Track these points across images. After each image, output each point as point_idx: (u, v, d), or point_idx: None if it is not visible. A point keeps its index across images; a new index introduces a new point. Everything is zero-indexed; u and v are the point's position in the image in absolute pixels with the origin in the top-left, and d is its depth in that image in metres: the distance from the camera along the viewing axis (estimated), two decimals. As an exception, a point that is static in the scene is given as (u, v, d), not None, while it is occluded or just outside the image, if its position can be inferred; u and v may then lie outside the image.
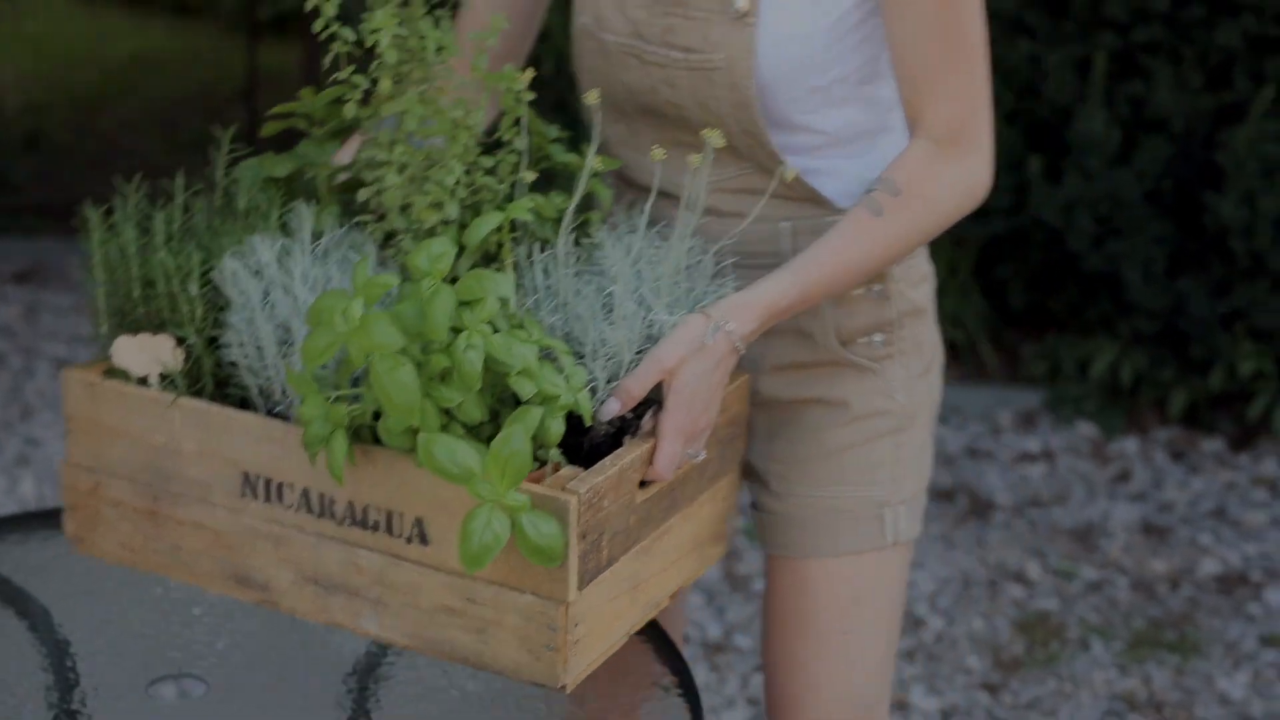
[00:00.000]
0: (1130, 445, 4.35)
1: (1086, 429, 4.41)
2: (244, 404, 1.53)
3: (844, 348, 1.69)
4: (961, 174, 1.56)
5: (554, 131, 1.65)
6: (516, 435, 1.34)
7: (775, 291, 1.50)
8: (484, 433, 1.42)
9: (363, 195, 1.54)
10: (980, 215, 4.45)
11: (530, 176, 1.56)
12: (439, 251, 1.40)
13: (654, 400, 1.48)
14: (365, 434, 1.44)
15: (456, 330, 1.36)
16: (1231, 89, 4.23)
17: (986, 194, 1.59)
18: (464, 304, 1.38)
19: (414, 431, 1.37)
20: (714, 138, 1.49)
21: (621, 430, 1.48)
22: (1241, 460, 4.31)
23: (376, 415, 1.40)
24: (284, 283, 1.47)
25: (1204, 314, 4.26)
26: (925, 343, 1.74)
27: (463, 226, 1.54)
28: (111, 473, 1.57)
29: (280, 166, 1.59)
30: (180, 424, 1.53)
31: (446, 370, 1.35)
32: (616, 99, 1.69)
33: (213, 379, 1.54)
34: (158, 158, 6.87)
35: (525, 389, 1.38)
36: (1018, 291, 4.61)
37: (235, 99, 7.44)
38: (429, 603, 1.45)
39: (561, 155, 1.63)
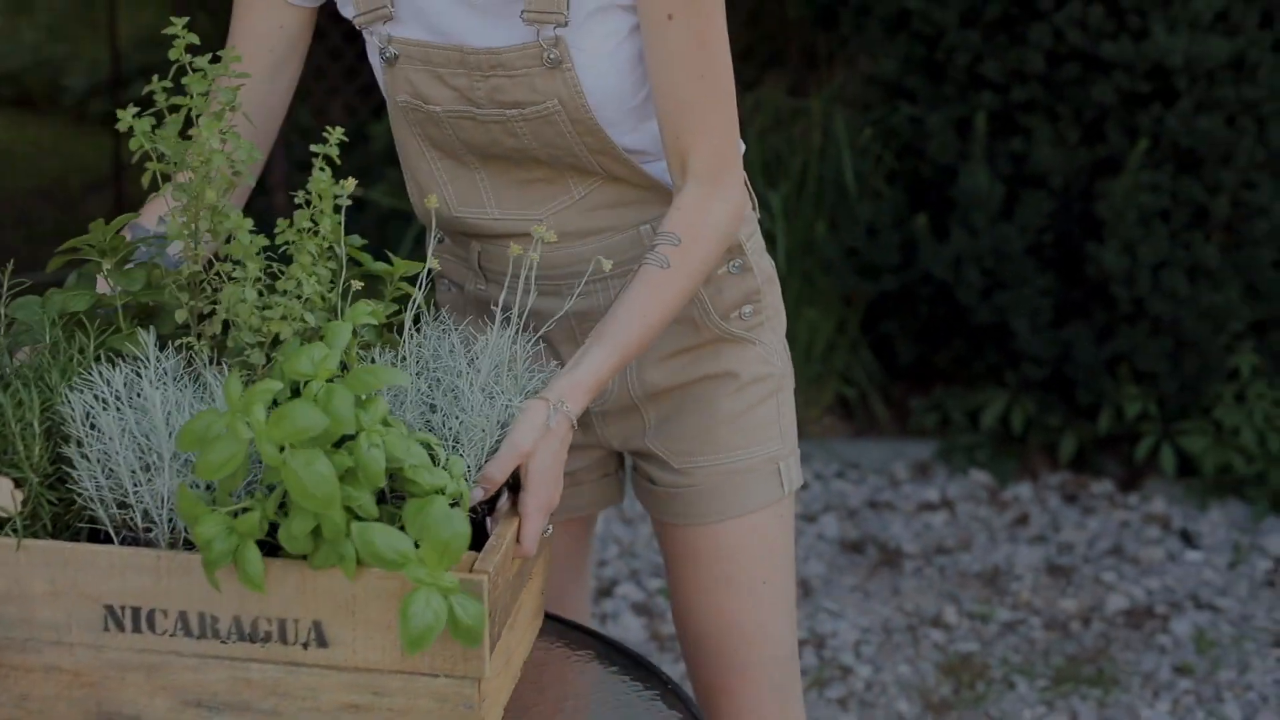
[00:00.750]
0: (1024, 490, 4.44)
1: (980, 476, 4.49)
2: (90, 538, 1.46)
3: (724, 321, 1.82)
4: (730, 205, 1.70)
5: (357, 239, 1.63)
6: (456, 518, 1.37)
7: (596, 365, 1.60)
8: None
9: (222, 312, 1.48)
10: (869, 273, 4.51)
11: (359, 285, 1.56)
12: (320, 355, 1.38)
13: (505, 484, 1.55)
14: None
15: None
16: (1106, 143, 4.35)
17: (745, 210, 1.75)
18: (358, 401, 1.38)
19: (316, 532, 1.35)
20: (544, 234, 1.60)
21: (478, 516, 1.53)
22: (1131, 500, 4.41)
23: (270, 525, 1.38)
24: (134, 411, 1.43)
25: (1089, 360, 4.35)
26: (781, 307, 1.89)
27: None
28: (-58, 628, 1.45)
29: (80, 300, 1.55)
30: (27, 566, 1.42)
31: (349, 470, 1.34)
32: (455, 153, 1.77)
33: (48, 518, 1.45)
34: (18, 249, 6.79)
35: (425, 480, 1.39)
36: (906, 346, 4.69)
37: (91, 190, 7.34)
38: (331, 704, 1.43)
39: (372, 263, 1.63)
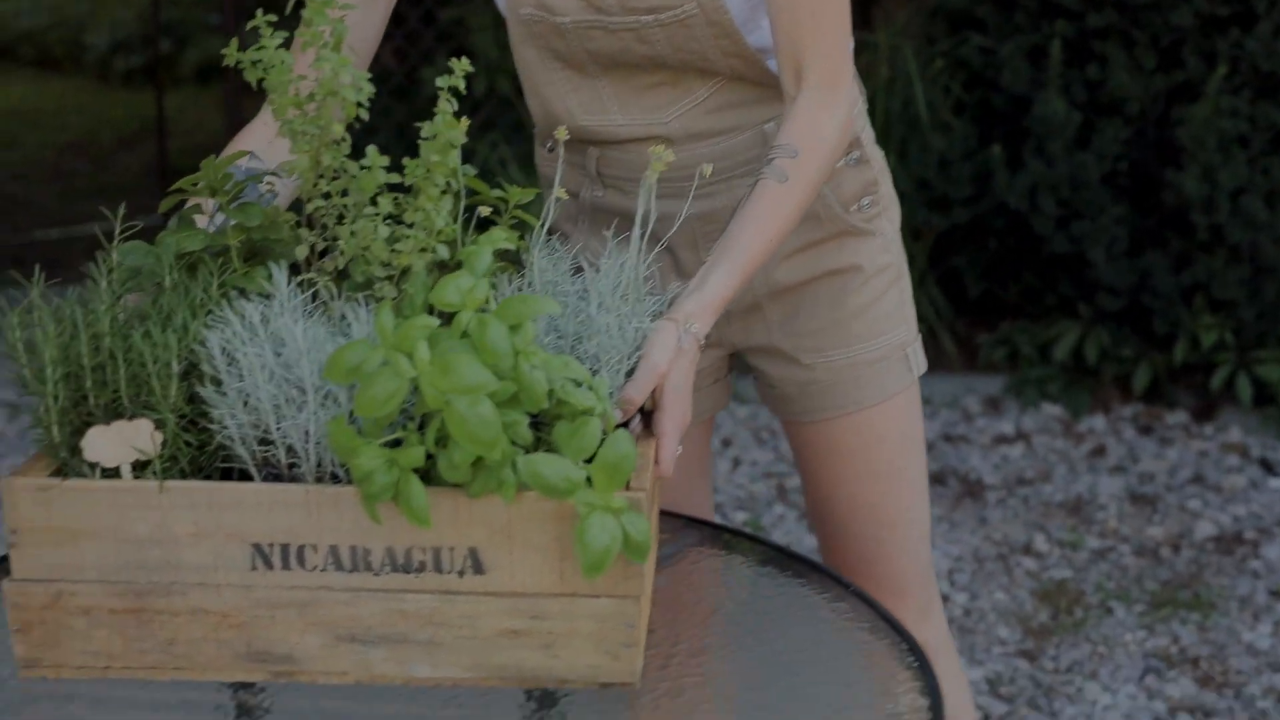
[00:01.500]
0: (1098, 422, 4.42)
1: (1053, 409, 4.46)
2: (225, 479, 1.43)
3: (845, 214, 1.82)
4: (843, 113, 1.68)
5: (471, 169, 1.60)
6: (622, 439, 1.35)
7: (722, 286, 1.58)
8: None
9: (352, 244, 1.44)
10: (940, 206, 4.47)
11: (486, 211, 1.52)
12: (467, 285, 1.35)
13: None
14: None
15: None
16: (1183, 69, 4.28)
17: (858, 107, 1.76)
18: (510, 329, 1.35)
19: (474, 461, 1.33)
20: (664, 154, 1.54)
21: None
22: (1207, 430, 4.38)
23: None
24: (274, 346, 1.39)
25: (1166, 289, 4.30)
26: (895, 197, 1.90)
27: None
28: (78, 579, 1.42)
29: (195, 240, 1.50)
30: (170, 509, 1.39)
31: (513, 395, 1.32)
32: (578, 63, 1.76)
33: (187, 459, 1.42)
34: (55, 206, 6.82)
35: (578, 401, 1.36)
36: (974, 281, 4.63)
37: (123, 146, 7.35)
38: (489, 630, 1.41)
39: (490, 192, 1.58)
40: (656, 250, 1.60)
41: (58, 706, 1.41)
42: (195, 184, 1.52)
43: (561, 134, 1.59)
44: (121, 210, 1.47)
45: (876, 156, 1.86)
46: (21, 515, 1.40)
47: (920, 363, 1.92)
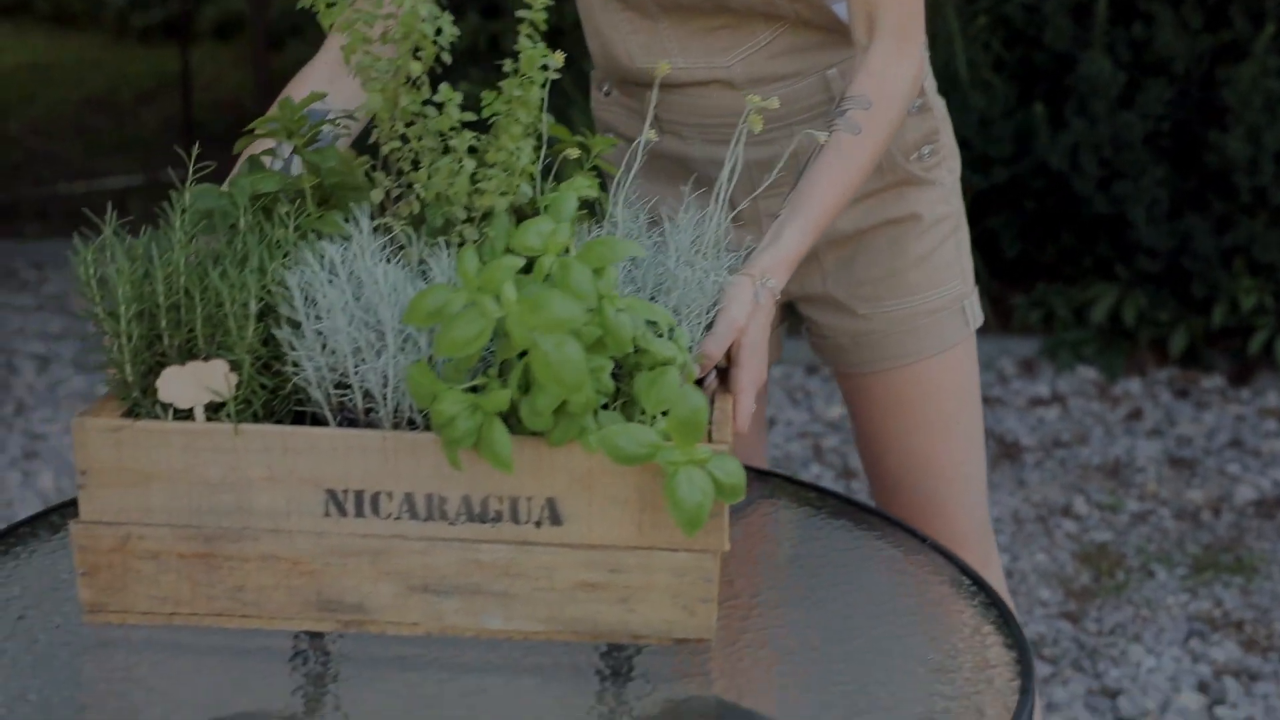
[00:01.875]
0: (1134, 385, 4.40)
1: (1088, 372, 4.44)
2: (298, 423, 1.40)
3: (906, 162, 1.79)
4: (915, 64, 1.65)
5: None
6: (691, 395, 1.31)
7: (797, 241, 1.55)
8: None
9: (431, 187, 1.41)
10: (980, 165, 4.42)
11: (574, 154, 1.48)
12: (549, 229, 1.32)
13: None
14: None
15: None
16: (1230, 28, 4.21)
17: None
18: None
19: (560, 410, 1.29)
20: (767, 103, 1.51)
21: None
22: (1243, 394, 4.36)
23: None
24: (352, 289, 1.36)
25: (1207, 251, 4.26)
26: (955, 147, 1.87)
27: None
28: (147, 522, 1.39)
29: (269, 181, 1.46)
30: (244, 452, 1.36)
31: (597, 340, 1.29)
32: (639, 4, 1.73)
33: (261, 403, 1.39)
34: (77, 161, 6.80)
35: (659, 351, 1.32)
36: (1009, 242, 4.59)
37: (142, 101, 7.32)
38: (565, 582, 1.38)
39: (570, 137, 1.54)
40: (722, 201, 1.57)
41: (122, 653, 1.38)
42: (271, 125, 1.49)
43: (664, 68, 1.55)
44: (195, 150, 1.43)
45: (938, 105, 1.83)
46: (91, 456, 1.37)
47: (977, 315, 1.89)
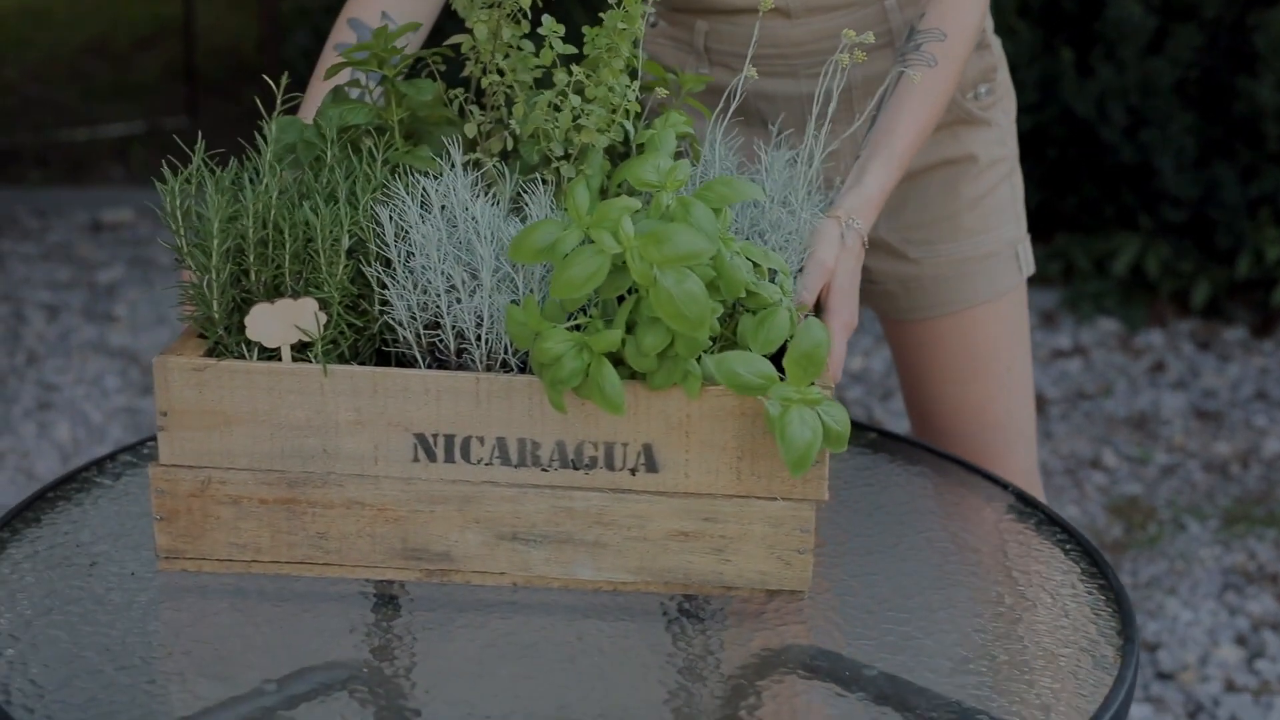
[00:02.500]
0: (1156, 337, 4.36)
1: (1109, 324, 4.40)
2: (381, 365, 1.36)
3: (963, 99, 1.75)
4: None
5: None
6: (814, 328, 1.28)
7: (881, 179, 1.51)
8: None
9: (530, 122, 1.35)
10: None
11: (664, 93, 1.43)
12: (668, 166, 1.28)
13: None
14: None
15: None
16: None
17: None
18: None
19: (664, 353, 1.25)
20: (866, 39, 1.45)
21: None
22: (1266, 346, 4.33)
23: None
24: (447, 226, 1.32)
25: (1233, 201, 4.21)
26: (1011, 87, 1.83)
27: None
28: (228, 465, 1.35)
29: (359, 113, 1.41)
30: (332, 394, 1.32)
31: (710, 281, 1.25)
32: None
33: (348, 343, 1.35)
34: (76, 107, 6.71)
35: (766, 293, 1.29)
36: (1030, 191, 4.55)
37: (140, 46, 7.23)
38: (658, 532, 1.34)
39: (664, 73, 1.51)
40: (821, 138, 1.51)
41: (199, 600, 1.34)
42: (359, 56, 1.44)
43: (768, 3, 1.47)
44: (285, 79, 1.38)
45: (996, 43, 1.79)
46: (173, 396, 1.33)
47: (1029, 261, 1.84)
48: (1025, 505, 1.56)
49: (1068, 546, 1.48)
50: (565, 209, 1.28)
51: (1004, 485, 1.60)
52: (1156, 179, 4.29)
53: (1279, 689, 2.77)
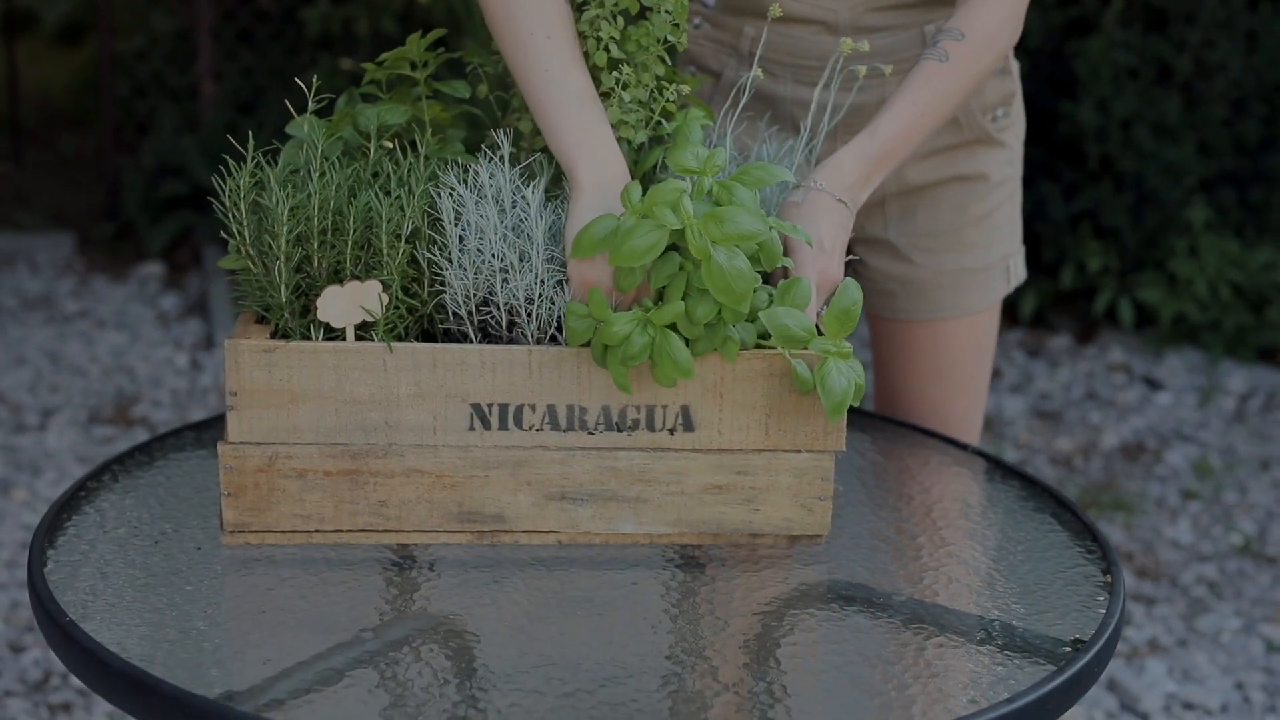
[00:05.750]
0: (988, 347, 4.60)
1: (943, 335, 4.62)
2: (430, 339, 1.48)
3: (982, 119, 1.86)
4: (1006, 7, 1.65)
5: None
6: (850, 288, 1.42)
7: (862, 147, 1.57)
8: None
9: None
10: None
11: (687, 89, 1.54)
12: (704, 153, 1.41)
13: None
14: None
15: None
16: (1079, 4, 4.47)
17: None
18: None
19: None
20: (858, 46, 1.58)
21: None
22: (1090, 352, 4.63)
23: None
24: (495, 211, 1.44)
25: (1059, 216, 4.51)
26: (1023, 111, 1.94)
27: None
28: (295, 441, 1.44)
29: (397, 114, 1.53)
30: (394, 370, 1.42)
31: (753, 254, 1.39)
32: None
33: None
34: None
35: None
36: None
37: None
38: (694, 486, 1.48)
39: (691, 80, 1.61)
40: (810, 140, 1.64)
41: (271, 568, 1.43)
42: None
43: (776, 11, 1.58)
44: (315, 82, 1.48)
45: (1014, 69, 1.89)
46: (243, 377, 1.42)
47: (1019, 272, 1.97)
48: (990, 463, 1.74)
49: (1035, 496, 1.66)
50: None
51: (964, 447, 1.78)
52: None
53: (1147, 653, 3.01)
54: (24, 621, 3.00)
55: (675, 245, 1.37)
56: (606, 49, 1.46)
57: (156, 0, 6.09)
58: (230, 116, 5.38)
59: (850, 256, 1.55)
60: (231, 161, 1.41)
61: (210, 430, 1.74)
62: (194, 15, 5.48)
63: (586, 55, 1.49)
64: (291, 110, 1.50)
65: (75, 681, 2.80)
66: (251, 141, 1.43)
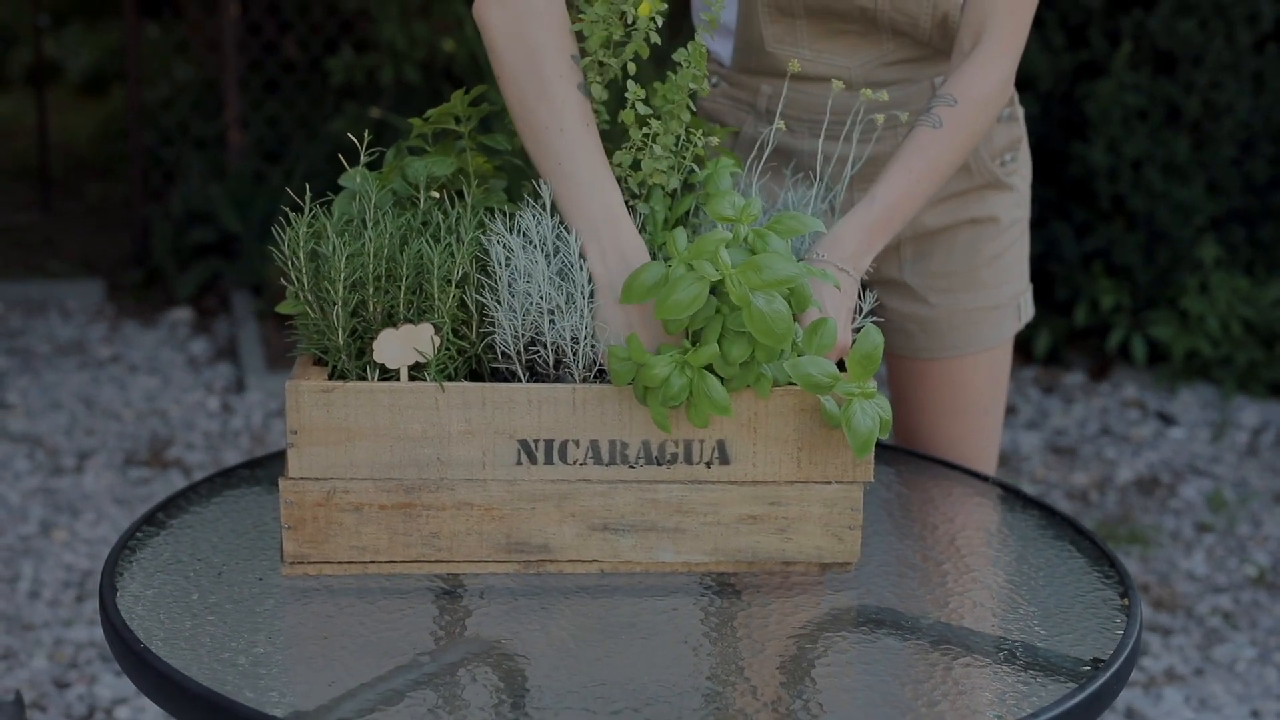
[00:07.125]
0: (1003, 384, 4.68)
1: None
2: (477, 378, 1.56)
3: (992, 164, 1.94)
4: (1003, 72, 1.72)
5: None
6: (872, 332, 1.49)
7: (860, 219, 1.63)
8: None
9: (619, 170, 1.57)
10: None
11: (715, 141, 1.62)
12: (742, 202, 1.49)
13: None
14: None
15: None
16: (1089, 48, 4.56)
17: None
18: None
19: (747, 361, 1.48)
20: (877, 95, 1.68)
21: None
22: (1103, 388, 4.69)
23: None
24: (539, 260, 1.52)
25: (1071, 255, 4.59)
26: (1029, 153, 2.02)
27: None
28: (351, 476, 1.53)
29: (444, 166, 1.61)
30: (445, 408, 1.51)
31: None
32: (788, 7, 1.83)
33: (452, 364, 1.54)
34: None
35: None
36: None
37: None
38: (730, 516, 1.55)
39: (721, 130, 1.70)
40: (822, 191, 1.73)
41: (330, 597, 1.51)
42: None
43: (794, 66, 1.67)
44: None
45: (1020, 114, 1.98)
46: (304, 416, 1.50)
47: (1029, 310, 2.04)
48: (1009, 493, 1.81)
49: (1054, 525, 1.73)
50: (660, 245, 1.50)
51: (984, 478, 1.86)
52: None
53: (1164, 682, 3.07)
54: (67, 658, 3.08)
55: (712, 289, 1.46)
56: (634, 107, 1.54)
57: (181, 50, 6.23)
58: (256, 165, 5.50)
59: (867, 298, 1.63)
60: (291, 214, 1.50)
61: (266, 467, 1.82)
62: (221, 65, 5.60)
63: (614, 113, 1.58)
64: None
65: (119, 715, 2.88)
66: (307, 189, 1.52)
